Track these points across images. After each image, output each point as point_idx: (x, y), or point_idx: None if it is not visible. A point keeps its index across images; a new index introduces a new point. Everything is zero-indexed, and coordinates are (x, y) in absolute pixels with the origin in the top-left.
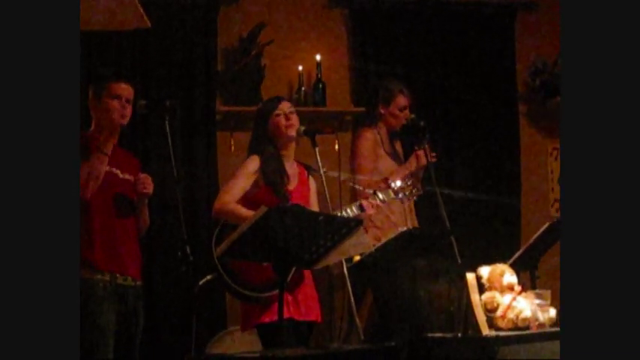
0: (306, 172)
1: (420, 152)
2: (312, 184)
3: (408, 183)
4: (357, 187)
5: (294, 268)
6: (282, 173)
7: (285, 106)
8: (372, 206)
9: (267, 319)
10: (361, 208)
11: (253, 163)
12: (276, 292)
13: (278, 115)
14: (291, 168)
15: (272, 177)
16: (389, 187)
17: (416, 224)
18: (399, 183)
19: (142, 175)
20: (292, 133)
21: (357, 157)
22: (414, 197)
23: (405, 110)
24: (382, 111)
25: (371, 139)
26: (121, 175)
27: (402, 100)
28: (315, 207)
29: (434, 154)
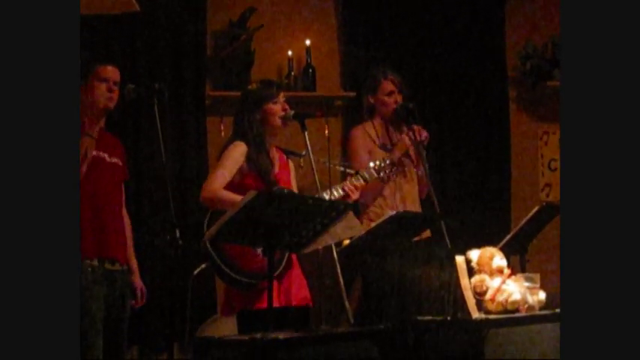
0: (284, 156)
1: (404, 136)
2: (292, 168)
3: (387, 162)
4: (341, 168)
5: (284, 259)
6: (269, 159)
7: (282, 96)
8: (356, 188)
9: (251, 307)
10: (343, 190)
11: (239, 149)
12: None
13: (275, 102)
14: (272, 152)
15: (260, 163)
16: (369, 167)
17: (416, 208)
18: (377, 162)
19: None
20: (284, 122)
21: (350, 159)
22: (395, 176)
23: (393, 95)
24: (372, 100)
25: (361, 137)
26: (108, 159)
27: (387, 85)
28: (295, 190)
29: (425, 135)
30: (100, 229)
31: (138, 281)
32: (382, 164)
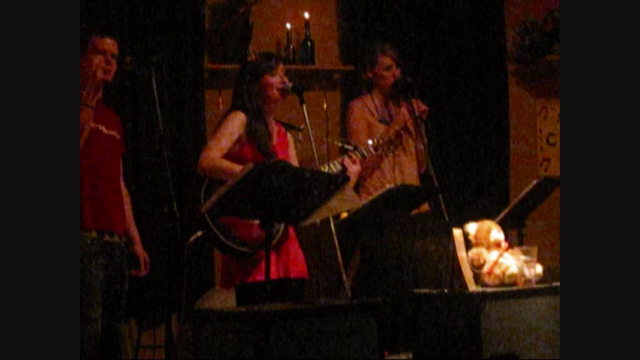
0: (283, 129)
1: (404, 110)
2: (290, 140)
3: (385, 139)
4: (339, 144)
5: (281, 229)
6: (268, 130)
7: (281, 68)
8: (354, 162)
9: (249, 279)
10: (342, 164)
11: (238, 119)
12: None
13: (274, 75)
14: (271, 125)
15: (259, 134)
16: (367, 144)
17: (414, 182)
18: (375, 139)
19: None
20: (282, 95)
21: (349, 132)
22: (392, 152)
23: (391, 69)
24: (370, 75)
25: (360, 110)
26: (106, 132)
27: (385, 60)
28: (295, 163)
29: (425, 109)
30: (99, 202)
31: (140, 250)
32: (380, 141)
